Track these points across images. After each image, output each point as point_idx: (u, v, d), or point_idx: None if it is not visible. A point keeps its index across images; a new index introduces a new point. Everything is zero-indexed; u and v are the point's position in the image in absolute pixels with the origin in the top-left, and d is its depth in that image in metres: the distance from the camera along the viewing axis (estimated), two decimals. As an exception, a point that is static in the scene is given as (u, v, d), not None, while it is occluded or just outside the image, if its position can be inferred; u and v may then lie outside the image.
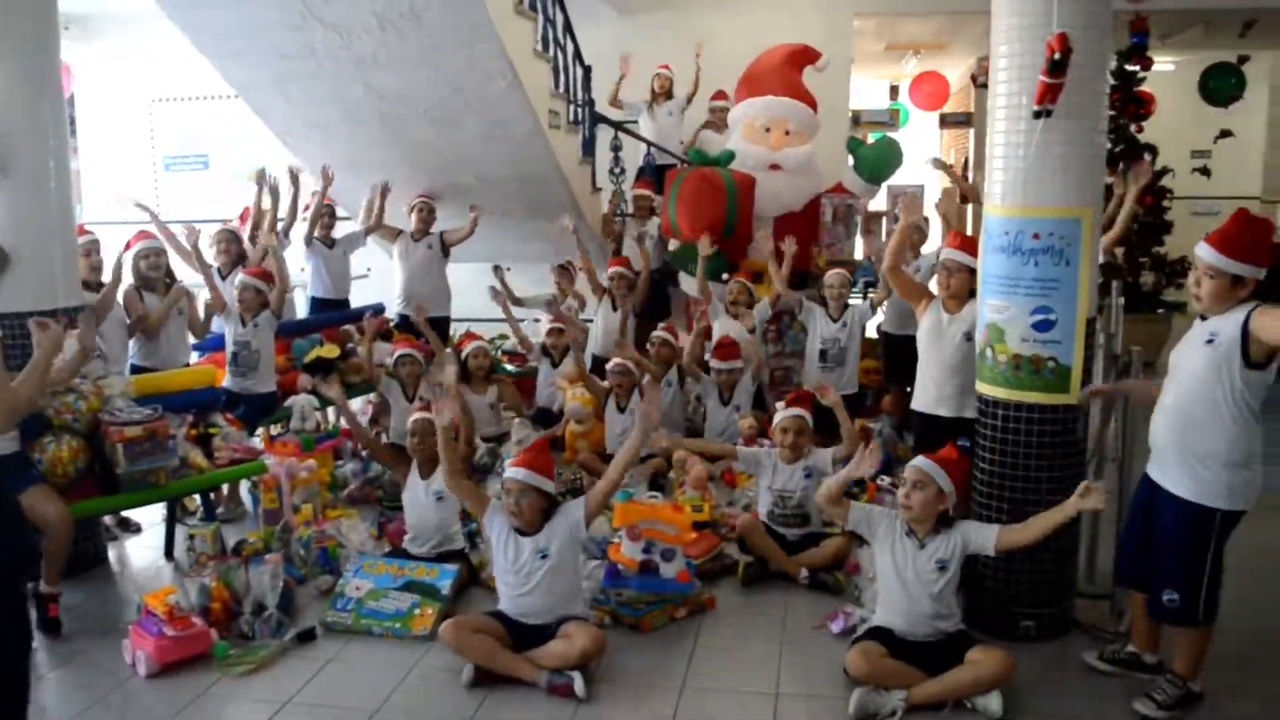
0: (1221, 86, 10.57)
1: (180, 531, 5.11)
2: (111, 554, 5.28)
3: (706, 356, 6.72)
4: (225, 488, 5.72)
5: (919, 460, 3.76)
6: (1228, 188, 11.86)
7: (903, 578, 3.73)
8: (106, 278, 5.74)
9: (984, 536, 3.73)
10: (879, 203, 8.39)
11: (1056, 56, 3.47)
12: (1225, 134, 10.91)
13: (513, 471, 3.98)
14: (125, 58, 10.71)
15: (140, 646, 3.97)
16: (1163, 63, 11.06)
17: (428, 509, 4.73)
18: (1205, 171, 10.53)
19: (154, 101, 11.24)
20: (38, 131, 4.73)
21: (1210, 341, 3.30)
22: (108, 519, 5.50)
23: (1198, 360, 3.33)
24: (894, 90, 13.67)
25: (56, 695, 3.88)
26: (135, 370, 5.74)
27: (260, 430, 6.21)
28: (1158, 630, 3.69)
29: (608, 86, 8.70)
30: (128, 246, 5.95)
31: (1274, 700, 3.64)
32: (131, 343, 5.85)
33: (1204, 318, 3.38)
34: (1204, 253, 3.34)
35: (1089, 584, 4.50)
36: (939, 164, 6.78)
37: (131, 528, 5.56)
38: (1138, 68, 9.33)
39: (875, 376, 7.30)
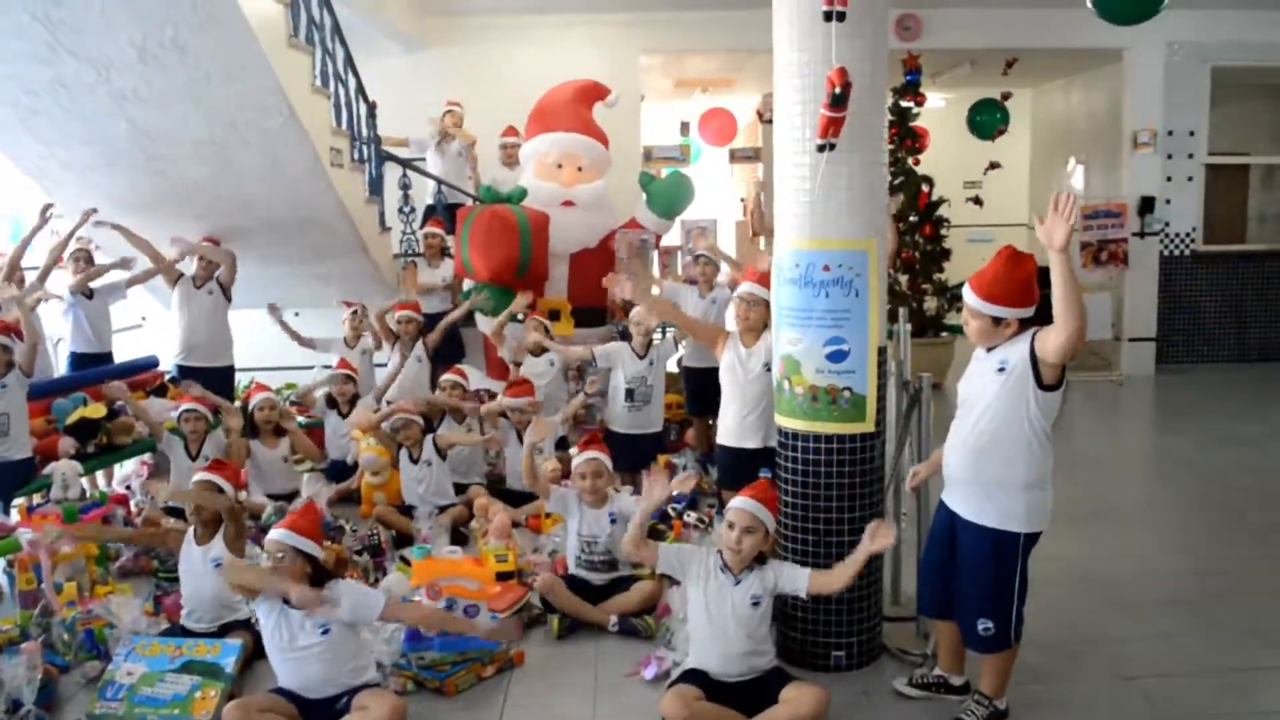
0: (988, 121, 11.20)
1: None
2: None
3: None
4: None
5: (745, 503, 3.67)
6: (999, 215, 12.60)
7: (717, 616, 3.65)
8: None
9: (796, 578, 3.69)
10: (673, 237, 8.43)
11: (838, 90, 3.50)
12: (994, 165, 11.58)
13: (274, 532, 3.71)
14: None
15: None
16: (934, 99, 11.65)
17: (205, 578, 4.34)
18: (978, 201, 11.13)
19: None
20: None
21: (1002, 370, 3.36)
22: None
23: (991, 389, 3.39)
24: (685, 126, 13.88)
25: None
26: None
27: (18, 502, 5.64)
28: (962, 651, 3.74)
29: (395, 124, 8.45)
30: None
31: (1075, 710, 3.75)
32: None
33: (990, 348, 3.46)
34: (967, 295, 3.44)
35: (895, 606, 4.57)
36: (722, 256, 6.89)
37: None
38: (912, 104, 9.78)
39: (678, 410, 7.30)
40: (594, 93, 8.00)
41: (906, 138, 9.79)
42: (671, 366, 7.53)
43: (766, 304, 4.52)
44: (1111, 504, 6.32)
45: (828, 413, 3.95)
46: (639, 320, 6.36)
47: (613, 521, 4.71)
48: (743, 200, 14.99)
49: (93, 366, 6.91)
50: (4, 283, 6.08)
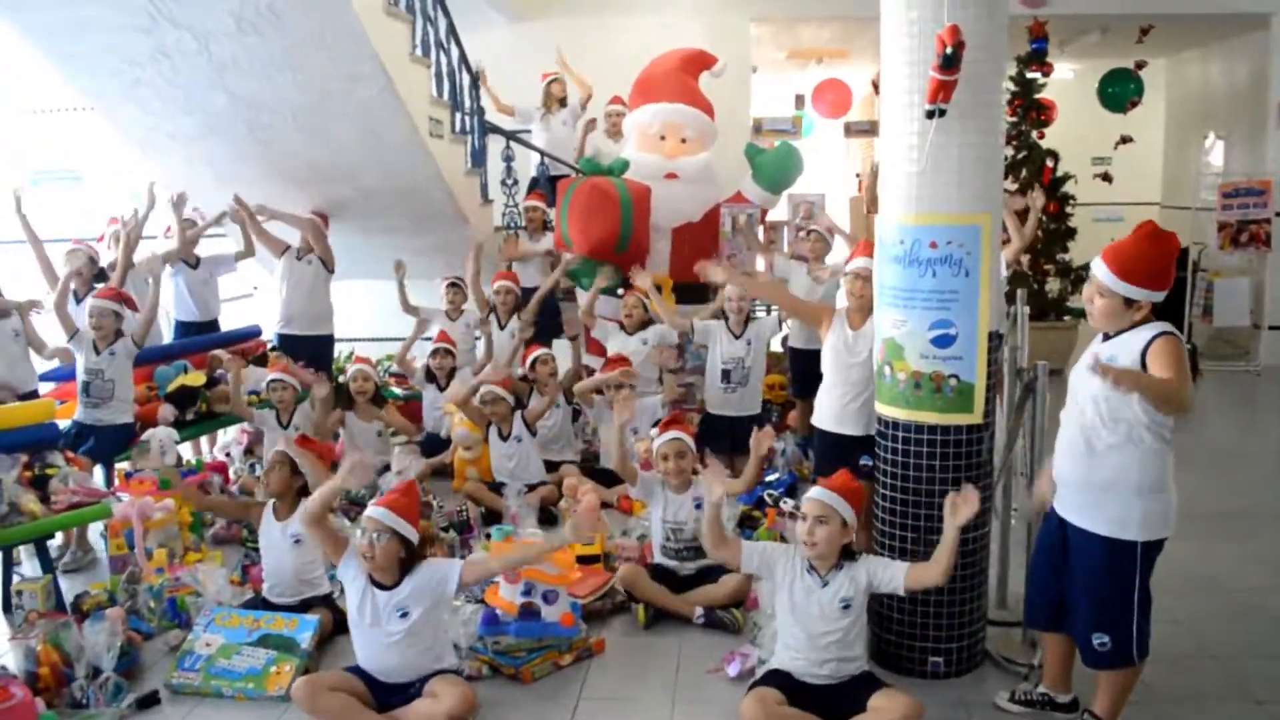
0: (1120, 92, 10.57)
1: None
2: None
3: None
4: (74, 533, 5.22)
5: (819, 492, 3.46)
6: (1129, 194, 11.94)
7: (804, 618, 3.43)
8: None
9: (892, 575, 3.44)
10: (780, 212, 8.14)
11: (949, 51, 3.21)
12: (1125, 140, 10.95)
13: (373, 509, 3.60)
14: (-12, 68, 10.03)
15: (-49, 723, 3.49)
16: (1062, 69, 11.05)
17: (285, 554, 4.31)
18: (1107, 177, 10.54)
19: (19, 113, 10.58)
20: None
21: None
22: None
23: (1098, 387, 3.07)
24: (799, 99, 13.52)
25: None
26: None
27: (122, 466, 5.73)
28: (1070, 667, 3.44)
29: (499, 94, 8.37)
30: None
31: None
32: None
33: (1106, 336, 3.14)
34: (1099, 271, 3.10)
35: (1000, 610, 4.26)
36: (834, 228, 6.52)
37: None
38: (1038, 74, 9.27)
39: (780, 392, 7.06)
40: (700, 62, 7.73)
41: (1031, 110, 9.28)
42: (776, 346, 7.29)
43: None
44: (1244, 506, 5.85)
45: (931, 401, 3.67)
46: (731, 296, 6.13)
47: (698, 507, 4.51)
48: (858, 175, 14.58)
49: (197, 335, 7.00)
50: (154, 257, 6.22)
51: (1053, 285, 9.39)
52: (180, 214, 6.96)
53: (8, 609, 4.67)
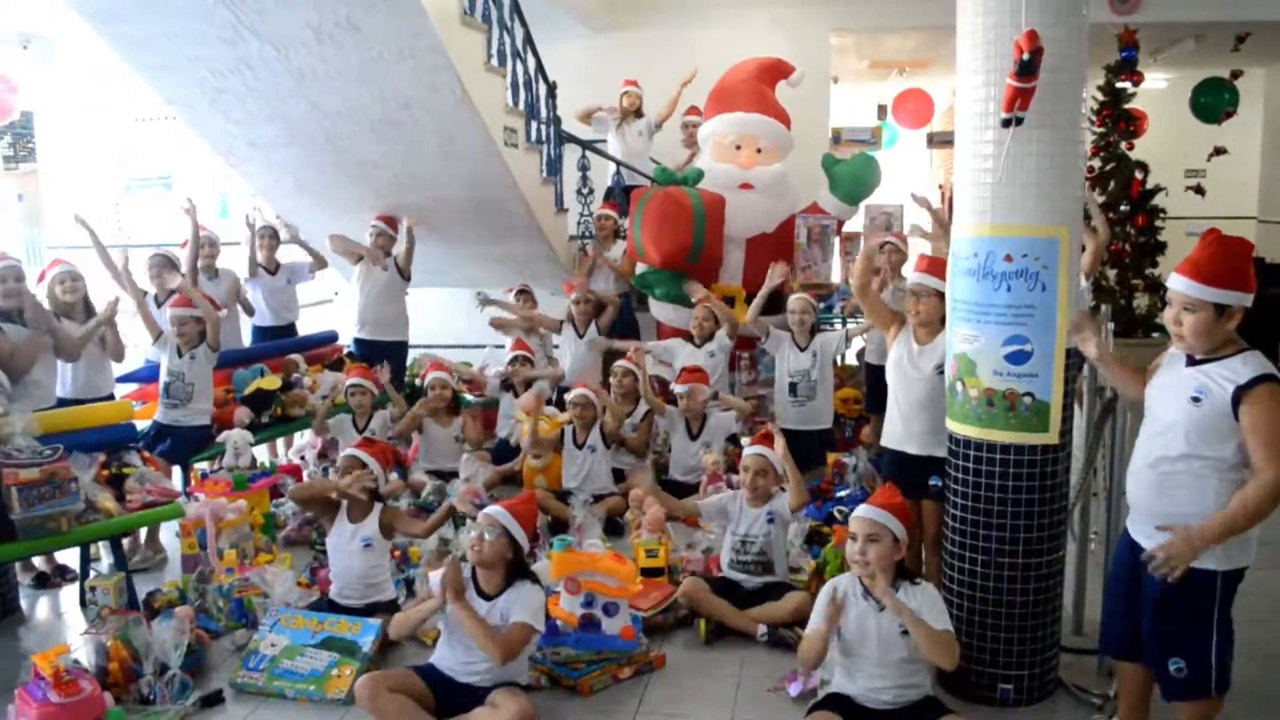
0: (1214, 103, 10.21)
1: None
2: (25, 604, 4.89)
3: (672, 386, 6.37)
4: (143, 532, 5.33)
5: (867, 510, 3.38)
6: (1223, 207, 11.50)
7: (861, 643, 3.34)
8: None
9: (936, 619, 3.31)
10: (857, 223, 8.03)
11: (1026, 57, 3.11)
12: (1219, 151, 10.55)
13: (493, 508, 3.68)
14: (89, 76, 10.34)
15: (24, 714, 3.57)
16: (1154, 79, 10.73)
17: (352, 556, 4.34)
18: (1199, 190, 10.18)
19: (119, 121, 10.88)
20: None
21: (1197, 400, 2.89)
22: (41, 565, 5.16)
23: (1179, 415, 2.92)
24: (881, 109, 13.35)
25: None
26: (62, 403, 5.33)
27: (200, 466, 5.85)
28: (1148, 700, 3.28)
29: (576, 104, 8.37)
30: (41, 277, 5.56)
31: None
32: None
33: (1191, 359, 2.99)
34: (1179, 284, 2.92)
35: (1075, 636, 4.12)
36: (921, 201, 6.34)
37: (69, 576, 5.15)
38: (1128, 83, 9.00)
39: (855, 406, 6.94)
40: (777, 71, 7.66)
41: (1120, 120, 9.00)
42: (851, 359, 7.19)
43: (939, 296, 4.12)
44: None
45: (1004, 420, 3.56)
46: (794, 309, 6.04)
47: (770, 522, 4.44)
48: (940, 187, 14.33)
49: (274, 340, 7.12)
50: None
51: (1140, 301, 9.07)
52: (256, 230, 7.13)
53: (83, 604, 4.79)
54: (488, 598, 3.63)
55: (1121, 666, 3.36)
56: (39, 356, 5.11)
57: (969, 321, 3.61)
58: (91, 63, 9.90)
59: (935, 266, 4.20)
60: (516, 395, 6.79)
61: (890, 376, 4.44)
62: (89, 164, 10.98)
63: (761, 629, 4.20)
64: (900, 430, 4.38)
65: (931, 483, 4.11)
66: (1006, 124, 3.34)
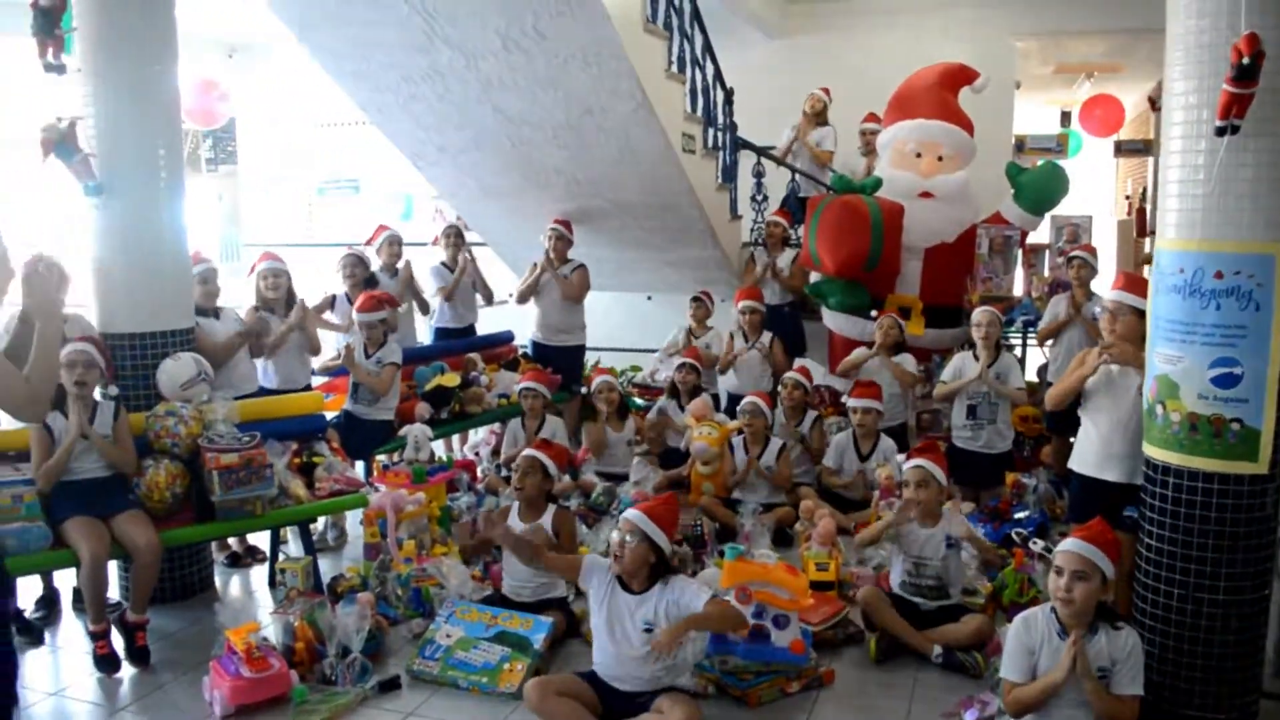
0: None
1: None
2: (219, 581, 5.19)
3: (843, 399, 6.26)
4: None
5: (1077, 545, 3.20)
6: None
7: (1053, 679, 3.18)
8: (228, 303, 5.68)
9: (1121, 684, 3.16)
10: (1043, 235, 7.72)
11: (1245, 61, 2.93)
12: None
13: (630, 512, 3.67)
14: (285, 84, 10.93)
15: (217, 686, 3.80)
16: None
17: (525, 555, 4.42)
18: None
19: (312, 126, 11.44)
20: (144, 151, 4.68)
21: None
22: (234, 545, 5.47)
23: None
24: (1065, 116, 12.81)
25: (126, 733, 3.74)
26: (264, 392, 5.65)
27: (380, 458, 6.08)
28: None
29: (753, 112, 8.34)
30: (252, 269, 5.90)
31: None
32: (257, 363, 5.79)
33: None
34: None
35: (1277, 680, 3.85)
36: None
37: (259, 557, 5.45)
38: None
39: (1035, 425, 6.65)
40: (960, 77, 7.44)
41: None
42: (1031, 376, 6.91)
43: (1139, 315, 3.91)
44: None
45: (1209, 447, 3.35)
46: (980, 323, 5.81)
47: (949, 546, 4.29)
48: (1128, 198, 13.67)
49: (454, 340, 7.35)
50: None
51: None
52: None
53: (272, 585, 5.05)
54: (634, 593, 3.62)
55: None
56: (237, 352, 5.42)
57: (1172, 341, 3.42)
58: (289, 72, 10.47)
59: (1134, 284, 4.00)
60: (681, 405, 6.77)
61: (1089, 398, 4.23)
62: (283, 167, 11.59)
63: (936, 650, 4.07)
64: (1097, 455, 4.17)
65: (1126, 514, 3.90)
66: (1220, 132, 3.16)
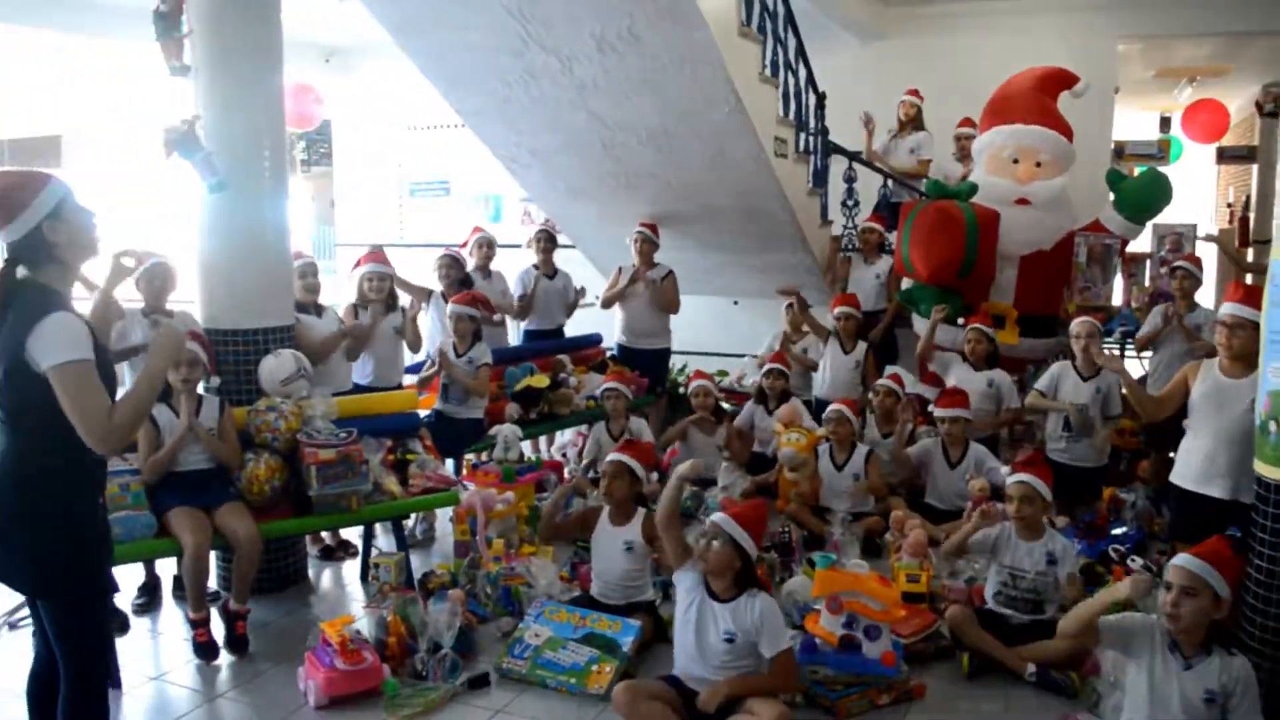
0: None
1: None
2: (311, 574, 5.30)
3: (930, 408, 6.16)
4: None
5: (1188, 561, 3.11)
6: None
7: (1160, 701, 3.10)
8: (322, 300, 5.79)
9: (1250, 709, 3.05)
10: (1142, 243, 7.52)
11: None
12: None
13: (718, 515, 3.67)
14: (379, 88, 11.12)
15: (311, 676, 3.89)
16: None
17: (615, 558, 4.45)
18: None
19: (403, 129, 11.61)
20: (251, 151, 4.80)
21: None
22: (327, 538, 5.58)
23: None
24: (1165, 122, 12.44)
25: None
26: (358, 389, 5.75)
27: (470, 457, 6.15)
28: None
29: (844, 116, 8.26)
30: (357, 264, 6.00)
31: None
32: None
33: None
34: None
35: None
36: (1211, 239, 5.82)
37: (350, 550, 5.57)
38: None
39: (1132, 439, 6.46)
40: (1059, 81, 7.26)
41: None
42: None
43: (1254, 327, 3.78)
44: None
45: (1326, 465, 3.24)
46: (1079, 334, 5.66)
47: (1050, 562, 4.19)
48: (1229, 206, 13.25)
49: (543, 341, 7.42)
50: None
51: None
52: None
53: (364, 579, 5.15)
54: (722, 601, 3.61)
55: None
56: (335, 349, 5.53)
57: (1289, 356, 3.32)
58: (382, 76, 10.65)
59: (1253, 296, 3.87)
60: (769, 410, 6.73)
61: (1194, 412, 4.11)
62: (376, 168, 11.78)
63: (1030, 668, 3.98)
64: (1201, 469, 4.05)
65: (1230, 532, 3.78)
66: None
